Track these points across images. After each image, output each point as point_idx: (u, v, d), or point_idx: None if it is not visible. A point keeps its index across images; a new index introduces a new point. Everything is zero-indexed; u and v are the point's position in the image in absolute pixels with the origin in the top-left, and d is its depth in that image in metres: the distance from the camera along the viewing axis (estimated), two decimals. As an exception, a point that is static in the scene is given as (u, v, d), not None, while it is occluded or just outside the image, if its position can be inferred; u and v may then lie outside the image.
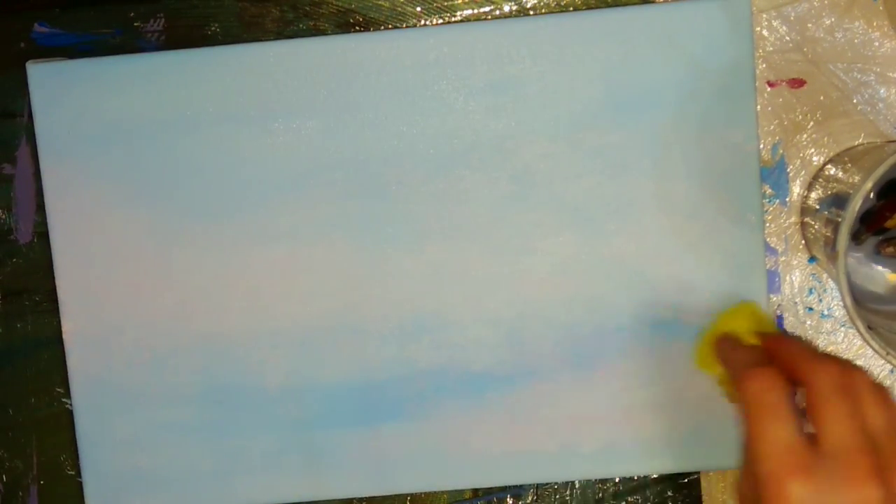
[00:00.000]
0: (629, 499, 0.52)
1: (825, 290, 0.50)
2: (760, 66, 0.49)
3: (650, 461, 0.50)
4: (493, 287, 0.50)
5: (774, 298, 0.50)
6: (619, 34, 0.49)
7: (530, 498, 0.52)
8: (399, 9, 0.51)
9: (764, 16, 0.49)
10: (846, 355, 0.50)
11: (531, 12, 0.50)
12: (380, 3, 0.51)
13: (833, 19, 0.49)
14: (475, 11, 0.51)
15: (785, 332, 0.50)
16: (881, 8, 0.49)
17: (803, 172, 0.50)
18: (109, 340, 0.51)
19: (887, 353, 0.43)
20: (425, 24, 0.51)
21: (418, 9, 0.51)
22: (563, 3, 0.50)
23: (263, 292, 0.51)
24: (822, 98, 0.50)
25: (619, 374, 0.50)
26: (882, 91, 0.49)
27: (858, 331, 0.42)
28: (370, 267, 0.50)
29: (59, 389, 0.52)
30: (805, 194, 0.50)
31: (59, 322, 0.51)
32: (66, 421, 0.52)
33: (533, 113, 0.49)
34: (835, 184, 0.47)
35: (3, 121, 0.52)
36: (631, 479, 0.52)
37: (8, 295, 0.52)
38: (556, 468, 0.51)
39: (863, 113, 0.49)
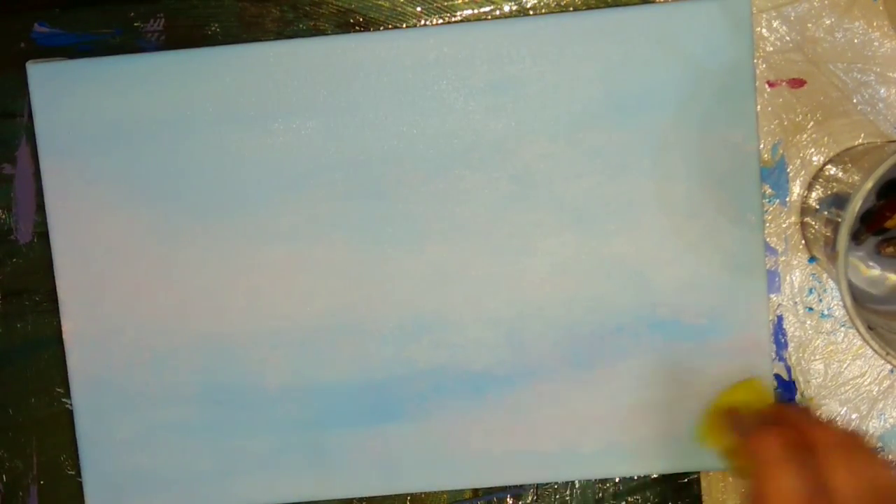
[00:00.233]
0: (629, 499, 0.52)
1: (825, 290, 0.50)
2: (760, 66, 0.49)
3: (650, 461, 0.50)
4: (493, 287, 0.50)
5: (774, 298, 0.50)
6: (619, 34, 0.49)
7: (530, 498, 0.52)
8: (399, 9, 0.51)
9: (764, 16, 0.49)
10: (846, 355, 0.50)
11: (531, 12, 0.50)
12: (380, 3, 0.51)
13: (833, 19, 0.49)
14: (475, 11, 0.51)
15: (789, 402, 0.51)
16: (881, 8, 0.49)
17: (803, 172, 0.50)
18: (109, 340, 0.51)
19: (887, 353, 0.43)
20: (425, 24, 0.51)
21: (418, 9, 0.51)
22: (563, 3, 0.50)
23: (263, 292, 0.51)
24: (822, 98, 0.50)
25: (618, 374, 0.50)
26: (882, 91, 0.49)
27: (858, 331, 0.42)
28: (370, 267, 0.50)
29: (59, 389, 0.52)
30: (805, 194, 0.50)
31: (59, 322, 0.51)
32: (66, 421, 0.52)
33: (533, 113, 0.49)
34: (835, 184, 0.47)
35: (3, 121, 0.52)
36: (631, 479, 0.52)
37: (8, 295, 0.52)
38: (556, 468, 0.51)
39: (863, 113, 0.49)
